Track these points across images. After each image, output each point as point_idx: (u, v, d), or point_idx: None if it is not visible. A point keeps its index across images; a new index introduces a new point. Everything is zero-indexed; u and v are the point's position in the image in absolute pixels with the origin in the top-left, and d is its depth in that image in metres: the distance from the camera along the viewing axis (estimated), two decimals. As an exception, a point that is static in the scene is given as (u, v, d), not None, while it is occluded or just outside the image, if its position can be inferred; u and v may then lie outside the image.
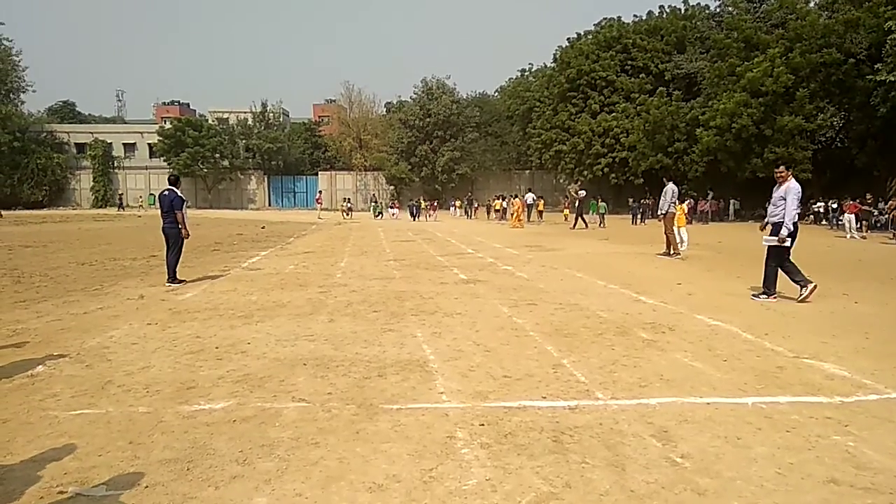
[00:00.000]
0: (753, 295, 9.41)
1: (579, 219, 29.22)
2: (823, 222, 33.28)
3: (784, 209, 8.95)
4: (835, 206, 31.43)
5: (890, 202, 26.66)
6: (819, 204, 34.39)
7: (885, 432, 4.07)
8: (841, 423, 4.21)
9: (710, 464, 3.58)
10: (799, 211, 9.18)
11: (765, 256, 9.31)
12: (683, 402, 4.62)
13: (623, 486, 3.29)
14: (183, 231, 10.90)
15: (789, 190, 9.01)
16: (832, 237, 24.78)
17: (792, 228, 8.92)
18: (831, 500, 3.17)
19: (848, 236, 23.99)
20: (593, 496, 3.19)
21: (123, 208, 56.87)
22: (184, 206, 11.04)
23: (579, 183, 35.92)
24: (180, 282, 10.71)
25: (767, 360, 5.80)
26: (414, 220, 38.96)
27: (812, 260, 15.51)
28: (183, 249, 11.13)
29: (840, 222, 27.62)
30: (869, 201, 27.63)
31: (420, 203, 43.66)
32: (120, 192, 62.56)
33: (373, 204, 49.40)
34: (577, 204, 30.19)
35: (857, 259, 15.61)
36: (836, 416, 4.34)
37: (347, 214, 43.27)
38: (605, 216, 33.53)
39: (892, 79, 28.77)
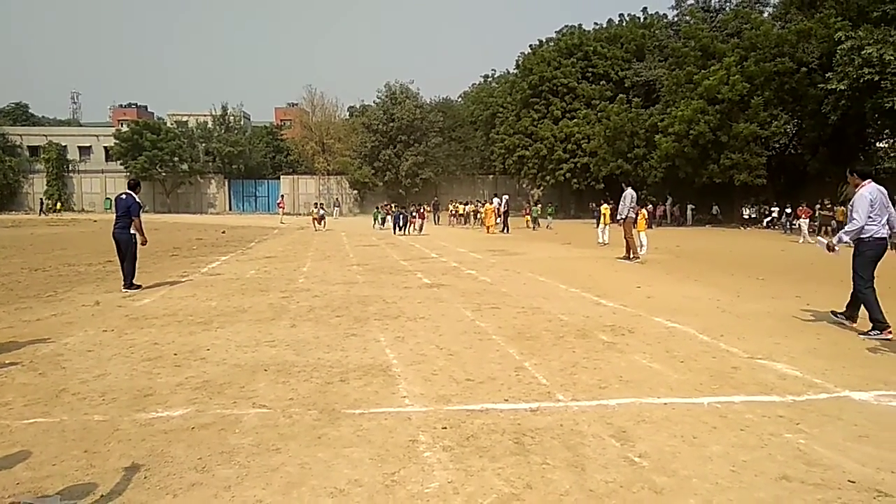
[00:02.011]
0: (861, 334, 7.20)
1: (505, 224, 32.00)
2: (776, 227, 34.17)
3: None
4: (788, 210, 32.28)
5: (840, 208, 27.45)
6: (774, 209, 35.30)
7: (835, 429, 4.21)
8: (793, 422, 4.34)
9: (667, 462, 3.65)
10: (870, 224, 7.30)
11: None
12: (642, 403, 4.71)
13: (582, 486, 3.34)
14: (139, 238, 10.60)
15: (855, 198, 7.49)
16: (786, 241, 25.46)
17: (845, 239, 7.53)
18: (783, 496, 3.26)
19: (801, 241, 24.61)
20: (553, 496, 3.23)
21: (46, 213, 54.91)
22: (140, 211, 10.77)
23: (542, 188, 37.47)
24: (137, 287, 10.45)
25: (723, 361, 5.94)
26: (400, 231, 30.05)
27: (766, 263, 15.94)
28: (138, 254, 10.81)
29: (794, 226, 28.36)
30: (828, 206, 28.33)
31: (399, 209, 33.52)
32: (41, 196, 59.98)
33: (374, 210, 39.05)
34: (504, 209, 32.62)
35: (810, 262, 16.05)
36: (788, 415, 4.47)
37: (319, 223, 33.18)
38: (538, 219, 35.21)
39: (842, 87, 29.69)
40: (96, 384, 5.11)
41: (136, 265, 10.76)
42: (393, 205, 36.62)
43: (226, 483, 3.37)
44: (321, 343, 6.62)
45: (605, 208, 24.00)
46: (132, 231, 10.53)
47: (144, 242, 10.77)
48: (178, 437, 4.01)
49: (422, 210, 34.81)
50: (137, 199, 10.78)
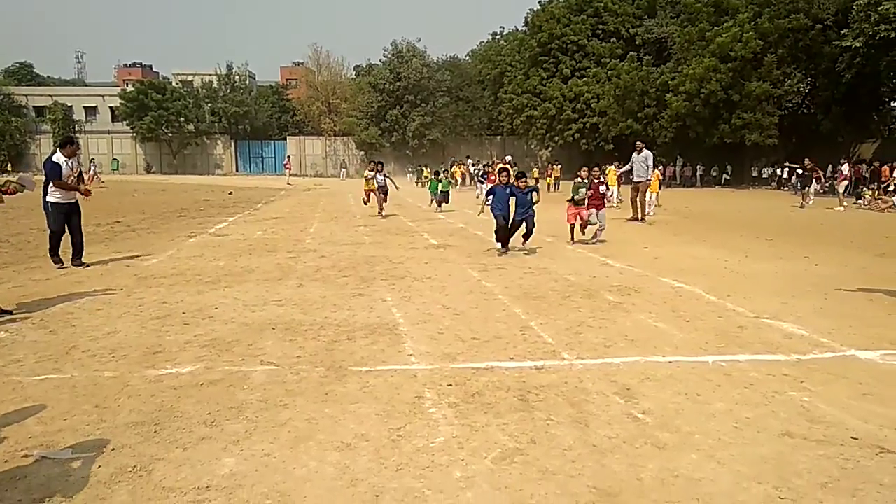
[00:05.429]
0: None
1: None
2: (786, 187, 33.80)
3: None
4: (800, 171, 31.83)
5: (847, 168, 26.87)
6: (785, 169, 34.89)
7: (840, 388, 4.22)
8: (797, 380, 4.35)
9: (671, 419, 3.68)
10: None
11: None
12: (646, 361, 4.73)
13: (586, 442, 3.38)
14: (81, 187, 8.95)
15: None
16: (796, 202, 25.24)
17: None
18: (785, 451, 3.29)
19: (810, 201, 24.34)
20: (557, 451, 3.27)
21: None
22: (62, 172, 8.68)
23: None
24: (60, 263, 8.76)
25: (729, 321, 5.95)
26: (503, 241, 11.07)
27: (775, 224, 15.85)
28: (54, 228, 8.83)
29: (807, 188, 27.91)
30: (809, 166, 27.43)
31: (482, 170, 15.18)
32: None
33: (430, 179, 24.19)
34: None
35: (819, 223, 15.95)
36: (792, 373, 4.48)
37: (380, 195, 17.19)
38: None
39: (858, 45, 29.06)
40: (106, 341, 5.17)
41: (55, 239, 8.84)
42: (470, 162, 14.77)
43: (234, 437, 3.42)
44: (328, 302, 6.66)
45: (610, 170, 23.05)
46: (50, 199, 8.72)
47: (87, 193, 9.10)
48: (187, 393, 4.06)
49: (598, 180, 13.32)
50: (56, 159, 8.79)
